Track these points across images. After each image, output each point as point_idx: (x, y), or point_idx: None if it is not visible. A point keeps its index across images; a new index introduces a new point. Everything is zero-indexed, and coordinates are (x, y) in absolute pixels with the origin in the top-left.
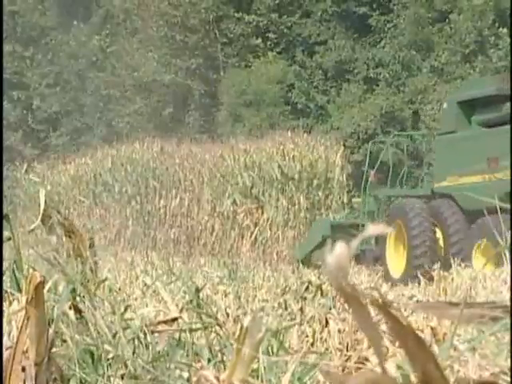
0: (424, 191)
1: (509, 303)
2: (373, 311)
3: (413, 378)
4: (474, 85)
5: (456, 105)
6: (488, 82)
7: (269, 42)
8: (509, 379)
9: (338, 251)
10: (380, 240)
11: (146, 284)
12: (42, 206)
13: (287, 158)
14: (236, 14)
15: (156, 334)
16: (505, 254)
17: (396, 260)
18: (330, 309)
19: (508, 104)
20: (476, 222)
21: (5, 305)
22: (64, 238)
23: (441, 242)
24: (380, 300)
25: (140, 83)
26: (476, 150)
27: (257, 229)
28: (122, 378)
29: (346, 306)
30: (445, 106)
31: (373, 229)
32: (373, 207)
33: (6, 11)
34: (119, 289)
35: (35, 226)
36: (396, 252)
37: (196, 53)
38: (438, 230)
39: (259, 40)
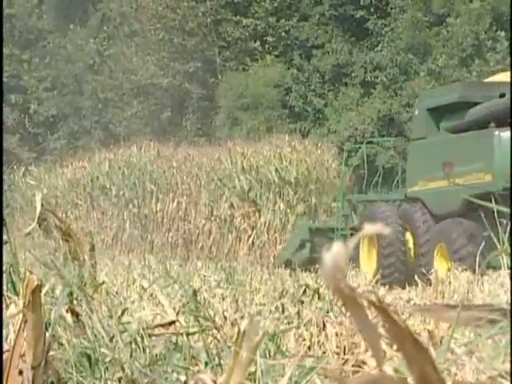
0: (398, 196)
1: (506, 306)
2: (370, 313)
3: (410, 381)
4: (441, 92)
5: (426, 112)
6: (452, 89)
7: (267, 46)
8: (506, 382)
9: (335, 251)
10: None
11: (143, 287)
12: (38, 209)
13: (284, 161)
14: (234, 18)
15: (153, 338)
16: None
17: (368, 261)
18: (328, 312)
19: (471, 110)
20: (438, 225)
21: (2, 308)
22: (61, 242)
23: (410, 245)
24: (377, 302)
25: (137, 86)
26: (442, 156)
27: (254, 232)
28: (120, 382)
29: (343, 307)
30: (416, 112)
31: (369, 228)
32: (347, 211)
33: (3, 14)
34: (116, 292)
35: (31, 229)
36: (369, 254)
37: (194, 56)
38: (408, 233)
39: (257, 43)
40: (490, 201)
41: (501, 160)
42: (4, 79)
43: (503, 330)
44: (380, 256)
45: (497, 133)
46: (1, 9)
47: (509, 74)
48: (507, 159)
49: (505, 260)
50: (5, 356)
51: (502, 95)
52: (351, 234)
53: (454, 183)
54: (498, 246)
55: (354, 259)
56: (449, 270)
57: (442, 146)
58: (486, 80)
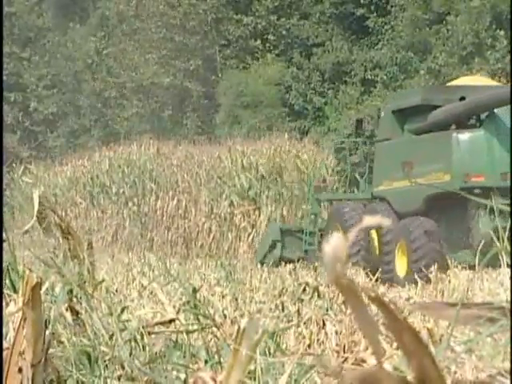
0: (365, 195)
1: (505, 304)
2: (370, 309)
3: (409, 379)
4: (405, 95)
5: (391, 114)
6: (415, 93)
7: (268, 44)
8: (505, 381)
9: (334, 243)
10: (322, 242)
11: (142, 285)
12: (36, 207)
13: (284, 159)
14: (235, 16)
15: (153, 336)
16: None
17: None
18: (327, 310)
19: (433, 113)
20: (398, 223)
21: (2, 306)
22: (61, 240)
23: (375, 242)
24: (376, 295)
25: (138, 85)
26: (405, 156)
27: (254, 230)
28: (119, 380)
29: (343, 299)
30: (382, 114)
31: (368, 220)
32: (316, 210)
33: (3, 12)
34: (116, 290)
35: (30, 227)
36: None
37: (194, 54)
38: (373, 231)
39: (258, 42)
40: (449, 199)
41: (459, 160)
42: (4, 77)
43: (503, 328)
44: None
45: (455, 134)
46: (0, 8)
47: (471, 78)
48: (465, 160)
49: (504, 258)
50: (4, 354)
51: (462, 98)
52: (320, 234)
53: (416, 183)
54: (498, 244)
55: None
56: (408, 266)
57: (405, 147)
58: (449, 84)
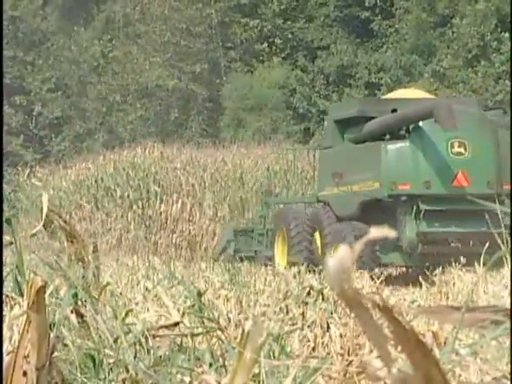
0: (310, 199)
1: (509, 306)
2: (375, 316)
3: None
4: (344, 106)
5: (333, 123)
6: (353, 104)
7: (273, 47)
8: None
9: (340, 255)
10: (271, 243)
11: (147, 288)
12: (45, 211)
13: (288, 162)
14: (241, 20)
15: (157, 339)
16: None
17: (281, 256)
18: (332, 313)
19: (367, 124)
20: (334, 227)
21: (6, 309)
22: (66, 243)
23: (318, 244)
24: (382, 304)
25: (143, 88)
26: (343, 164)
27: None
28: (124, 383)
29: (348, 310)
30: (325, 123)
31: (375, 232)
32: (264, 212)
33: (7, 16)
34: (120, 293)
35: (37, 230)
36: (282, 252)
37: (199, 58)
38: (317, 233)
39: (264, 45)
40: (380, 206)
41: (387, 170)
42: (8, 81)
43: (507, 331)
44: (289, 251)
45: (383, 145)
46: (0, 10)
47: (407, 91)
48: (392, 169)
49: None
50: (9, 357)
51: (394, 110)
52: (267, 234)
53: (350, 190)
54: (503, 247)
55: (271, 257)
56: None
57: (343, 156)
58: (384, 97)
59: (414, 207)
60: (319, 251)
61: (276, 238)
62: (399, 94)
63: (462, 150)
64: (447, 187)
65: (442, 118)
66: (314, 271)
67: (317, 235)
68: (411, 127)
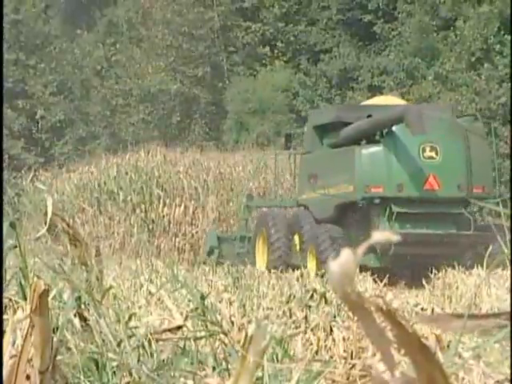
0: (291, 203)
1: (509, 309)
2: (378, 319)
3: None
4: (323, 112)
5: (312, 129)
6: (331, 110)
7: (276, 51)
8: None
9: (343, 259)
10: (251, 245)
11: (150, 292)
12: (50, 215)
13: (292, 165)
14: (243, 23)
15: (161, 342)
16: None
17: (262, 256)
18: (335, 317)
19: (344, 129)
20: (311, 230)
21: (9, 313)
22: (69, 247)
23: (297, 244)
24: (385, 307)
25: (145, 92)
26: (321, 168)
27: None
28: None
29: (351, 313)
30: (305, 129)
31: (377, 236)
32: (246, 216)
33: (9, 20)
34: (124, 297)
35: (41, 234)
36: (262, 253)
37: (202, 61)
38: (296, 235)
39: (266, 49)
40: (355, 208)
41: (360, 173)
42: (10, 84)
43: (508, 334)
44: (269, 253)
45: (358, 149)
46: (1, 11)
47: (382, 98)
48: (366, 172)
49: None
50: (12, 361)
51: (369, 116)
52: (249, 239)
53: (326, 193)
54: (505, 250)
55: (251, 254)
56: (317, 267)
57: (321, 160)
58: (361, 103)
59: (387, 209)
60: (298, 253)
61: (257, 240)
62: (375, 100)
63: (433, 154)
64: (419, 190)
65: (412, 122)
66: (318, 275)
67: (296, 237)
68: (385, 132)
